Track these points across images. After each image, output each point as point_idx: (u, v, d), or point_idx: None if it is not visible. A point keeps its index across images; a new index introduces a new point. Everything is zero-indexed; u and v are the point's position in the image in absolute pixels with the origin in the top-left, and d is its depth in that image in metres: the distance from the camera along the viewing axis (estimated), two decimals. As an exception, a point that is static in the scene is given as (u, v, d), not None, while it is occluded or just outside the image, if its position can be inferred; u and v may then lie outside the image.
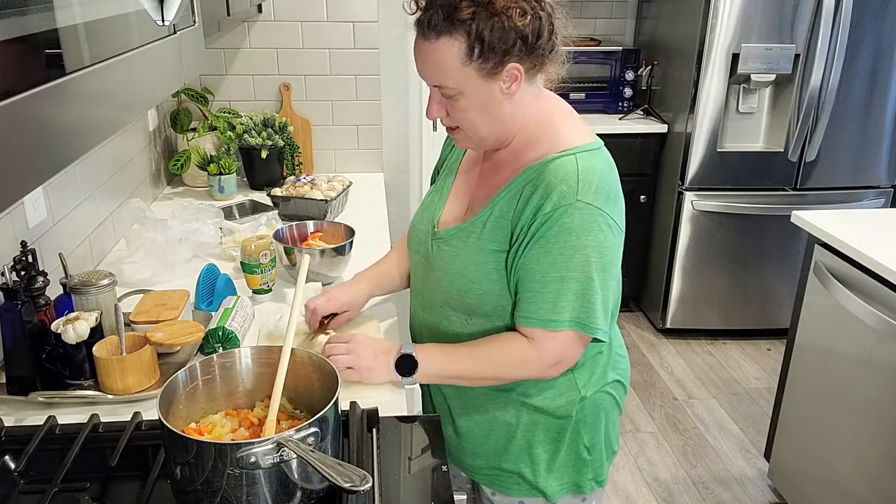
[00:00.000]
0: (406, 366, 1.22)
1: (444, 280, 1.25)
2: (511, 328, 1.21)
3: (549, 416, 1.26)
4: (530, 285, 1.14)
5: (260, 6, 2.37)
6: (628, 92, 3.47)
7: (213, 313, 1.47)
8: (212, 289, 1.57)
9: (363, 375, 1.24)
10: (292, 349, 1.07)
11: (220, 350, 1.34)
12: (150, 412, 1.09)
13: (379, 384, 1.26)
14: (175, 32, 0.97)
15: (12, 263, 1.20)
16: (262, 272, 1.61)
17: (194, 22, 1.08)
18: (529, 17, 1.07)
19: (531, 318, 1.15)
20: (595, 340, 1.19)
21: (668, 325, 3.47)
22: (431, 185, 1.41)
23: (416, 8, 1.10)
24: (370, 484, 0.85)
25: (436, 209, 1.30)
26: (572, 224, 1.10)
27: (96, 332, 1.24)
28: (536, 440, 1.28)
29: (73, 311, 1.27)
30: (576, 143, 1.16)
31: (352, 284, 1.48)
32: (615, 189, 1.16)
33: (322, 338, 1.44)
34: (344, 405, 1.16)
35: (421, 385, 1.38)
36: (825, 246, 2.08)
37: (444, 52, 1.08)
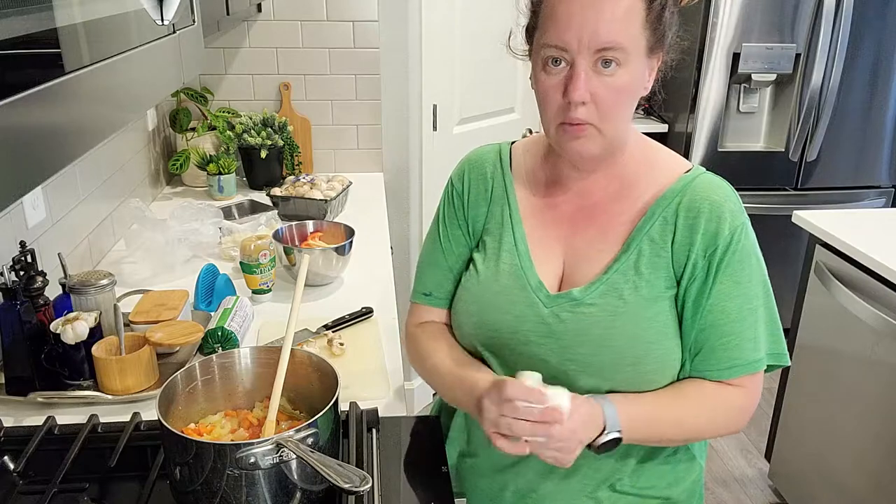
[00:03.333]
0: (609, 446, 0.94)
1: (605, 355, 0.95)
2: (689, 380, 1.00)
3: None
4: (727, 327, 0.95)
5: (259, 5, 2.37)
6: (628, 91, 3.46)
7: (212, 313, 1.46)
8: (211, 289, 1.57)
9: (550, 461, 0.91)
10: (292, 349, 1.07)
11: (220, 350, 1.33)
12: (150, 412, 1.09)
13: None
14: (174, 32, 0.97)
15: (11, 263, 1.19)
16: (261, 272, 1.60)
17: (194, 21, 1.08)
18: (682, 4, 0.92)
19: (738, 365, 0.96)
20: (772, 367, 1.00)
21: (668, 325, 3.46)
22: (439, 250, 1.11)
23: None
24: (370, 484, 0.84)
25: (525, 274, 1.01)
26: (748, 245, 0.95)
27: (95, 333, 1.23)
28: None
29: (72, 312, 1.27)
30: (690, 164, 1.01)
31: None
32: None
33: (325, 340, 1.43)
34: (344, 405, 1.15)
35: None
36: (826, 246, 2.08)
37: (633, 3, 0.88)
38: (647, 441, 0.99)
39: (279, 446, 0.88)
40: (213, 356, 1.08)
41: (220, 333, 1.36)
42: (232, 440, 1.02)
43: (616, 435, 0.92)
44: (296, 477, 0.92)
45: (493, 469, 1.09)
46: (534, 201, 1.05)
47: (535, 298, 0.99)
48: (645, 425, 0.96)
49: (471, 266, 1.07)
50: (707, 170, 1.01)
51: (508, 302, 1.00)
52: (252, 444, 0.88)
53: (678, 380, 0.99)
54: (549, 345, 0.98)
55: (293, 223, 1.82)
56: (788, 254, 3.28)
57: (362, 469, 0.88)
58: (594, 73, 0.89)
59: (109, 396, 1.21)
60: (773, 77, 3.06)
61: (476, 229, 1.09)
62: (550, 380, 0.93)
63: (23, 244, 1.22)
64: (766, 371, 0.99)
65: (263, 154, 2.35)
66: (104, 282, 1.31)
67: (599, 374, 0.96)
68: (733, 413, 0.99)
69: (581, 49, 0.88)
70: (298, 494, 0.93)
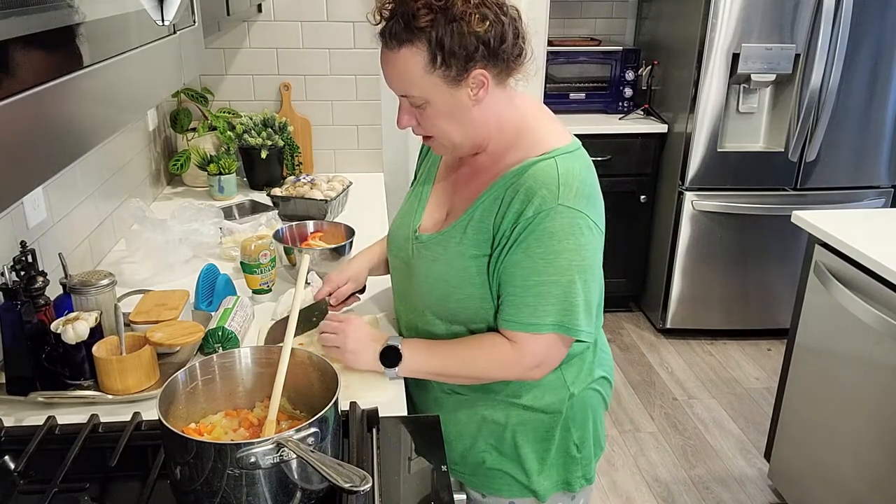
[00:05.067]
0: (390, 357, 1.24)
1: (424, 285, 1.26)
2: (493, 332, 1.22)
3: (539, 413, 1.27)
4: (511, 289, 1.15)
5: (260, 6, 2.37)
6: (628, 92, 3.46)
7: (212, 313, 1.47)
8: (212, 289, 1.57)
9: (347, 359, 1.27)
10: (292, 349, 1.07)
11: (220, 350, 1.34)
12: (150, 412, 1.09)
13: (362, 371, 1.28)
14: (175, 32, 0.97)
15: (12, 263, 1.20)
16: (261, 272, 1.60)
17: (194, 22, 1.08)
18: (489, 23, 1.07)
19: (512, 321, 1.16)
20: (578, 341, 1.21)
21: (668, 325, 3.47)
22: (411, 188, 1.41)
23: (379, 18, 1.11)
24: (370, 484, 0.85)
25: (415, 215, 1.30)
26: (553, 228, 1.11)
27: (96, 333, 1.24)
28: (526, 439, 1.28)
29: (72, 312, 1.27)
30: (554, 145, 1.16)
31: (351, 263, 1.53)
32: (594, 190, 1.17)
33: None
34: (344, 405, 1.16)
35: (408, 387, 1.36)
36: (825, 246, 2.08)
37: (407, 61, 1.09)
38: (431, 369, 1.25)
39: (279, 446, 0.89)
40: (214, 356, 1.08)
41: (220, 333, 1.36)
42: (232, 440, 1.02)
43: (393, 370, 1.24)
44: (296, 477, 0.92)
45: None
46: (448, 169, 1.31)
47: (409, 237, 1.28)
48: (424, 355, 1.24)
49: None
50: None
51: (398, 236, 1.32)
52: (252, 443, 0.88)
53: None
54: (406, 271, 1.30)
55: (293, 223, 1.82)
56: (788, 254, 3.29)
57: (362, 469, 0.88)
58: (412, 105, 1.15)
59: (110, 396, 1.21)
60: (772, 77, 3.06)
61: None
62: (406, 298, 1.32)
63: (23, 244, 1.23)
64: (577, 340, 1.19)
65: (264, 154, 2.35)
66: (105, 282, 1.31)
67: (424, 300, 1.27)
68: (497, 361, 1.20)
69: (394, 92, 1.16)
70: (298, 494, 0.93)
